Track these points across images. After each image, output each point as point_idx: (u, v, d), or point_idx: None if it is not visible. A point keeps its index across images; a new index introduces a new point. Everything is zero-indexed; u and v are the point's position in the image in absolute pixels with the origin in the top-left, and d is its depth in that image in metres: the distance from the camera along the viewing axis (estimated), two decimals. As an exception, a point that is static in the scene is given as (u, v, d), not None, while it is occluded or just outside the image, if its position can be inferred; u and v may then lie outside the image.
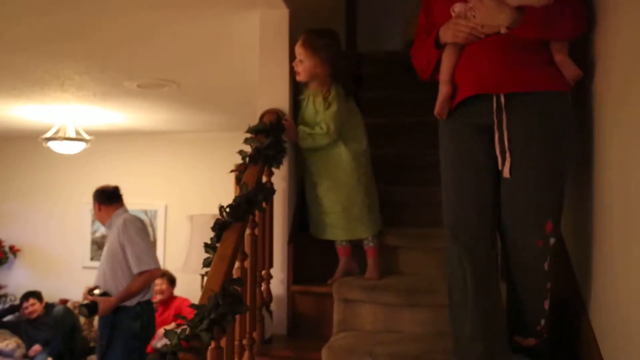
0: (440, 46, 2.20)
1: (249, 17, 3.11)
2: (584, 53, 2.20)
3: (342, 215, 2.79)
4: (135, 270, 3.73)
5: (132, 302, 3.80)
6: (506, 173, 2.05)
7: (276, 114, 2.83)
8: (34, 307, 6.28)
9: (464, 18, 2.08)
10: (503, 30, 2.02)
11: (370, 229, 2.81)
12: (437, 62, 2.23)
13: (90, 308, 3.73)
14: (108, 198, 4.14)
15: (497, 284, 2.15)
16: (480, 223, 2.11)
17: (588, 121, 2.19)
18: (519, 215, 2.06)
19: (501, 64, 2.05)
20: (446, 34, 2.14)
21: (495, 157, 2.08)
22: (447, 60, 2.17)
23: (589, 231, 2.17)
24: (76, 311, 6.49)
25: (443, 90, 2.17)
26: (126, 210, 4.10)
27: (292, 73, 2.99)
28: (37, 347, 6.06)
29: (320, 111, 2.77)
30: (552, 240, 2.04)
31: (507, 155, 2.04)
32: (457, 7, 2.11)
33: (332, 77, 2.77)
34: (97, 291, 3.77)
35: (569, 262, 2.49)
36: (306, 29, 2.81)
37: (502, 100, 2.05)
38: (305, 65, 2.75)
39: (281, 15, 3.01)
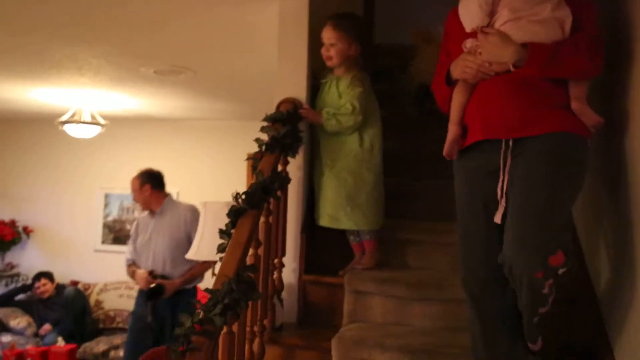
0: (451, 83, 2.10)
1: (268, 5, 3.10)
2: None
3: (347, 203, 2.76)
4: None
5: (189, 285, 4.12)
6: (497, 218, 1.96)
7: (293, 103, 2.82)
8: (45, 287, 6.33)
9: (473, 54, 1.99)
10: (511, 68, 1.91)
11: (372, 223, 2.79)
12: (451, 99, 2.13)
13: (158, 291, 3.93)
14: (160, 183, 4.32)
15: (507, 332, 2.04)
16: (487, 275, 2.02)
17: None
18: (520, 252, 1.87)
19: (511, 106, 1.92)
20: (455, 70, 2.05)
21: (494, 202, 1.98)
22: (456, 99, 2.08)
23: (620, 274, 2.08)
24: (86, 292, 6.57)
25: (451, 130, 2.08)
26: (173, 199, 4.35)
27: (311, 62, 2.98)
28: (47, 327, 6.11)
29: (344, 93, 2.76)
30: (560, 271, 1.86)
31: (502, 200, 1.94)
32: (469, 43, 2.01)
33: (359, 59, 2.80)
34: (156, 275, 4.01)
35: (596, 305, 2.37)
36: (330, 14, 2.82)
37: (510, 145, 1.93)
38: (338, 47, 2.75)
39: (301, 4, 3.00)
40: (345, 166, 2.78)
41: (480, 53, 1.95)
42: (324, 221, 2.81)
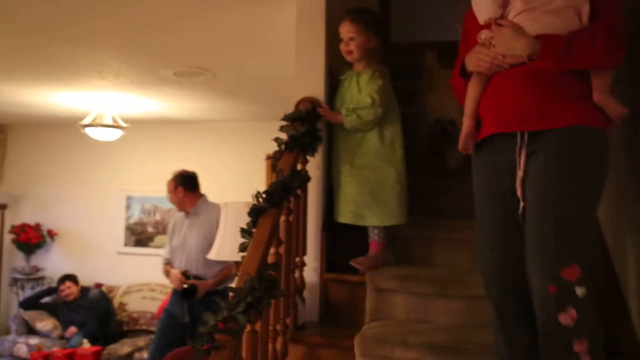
0: (466, 74, 2.06)
1: (285, 5, 3.11)
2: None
3: (371, 199, 2.77)
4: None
5: (221, 286, 4.15)
6: (520, 218, 1.88)
7: (312, 102, 2.82)
8: (70, 290, 6.40)
9: (487, 46, 1.93)
10: (526, 61, 1.84)
11: (397, 217, 2.79)
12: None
13: (191, 291, 3.99)
14: (193, 185, 4.39)
15: (528, 330, 1.94)
16: (508, 281, 1.95)
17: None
18: (535, 259, 1.82)
19: (526, 99, 1.85)
20: (470, 62, 2.00)
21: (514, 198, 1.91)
22: (471, 92, 2.02)
23: None
24: (110, 295, 6.63)
25: (466, 124, 2.02)
26: (208, 200, 4.40)
27: (329, 60, 2.98)
28: (73, 329, 6.18)
29: (365, 87, 2.76)
30: (580, 290, 1.72)
31: (519, 192, 1.87)
32: (483, 34, 1.95)
33: (378, 53, 2.82)
34: (190, 275, 4.08)
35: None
36: (346, 10, 2.84)
37: (525, 139, 1.85)
38: (357, 41, 2.77)
39: (318, 3, 2.99)
40: (367, 163, 2.79)
41: (494, 45, 1.90)
42: (347, 218, 2.81)
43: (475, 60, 1.96)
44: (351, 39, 2.77)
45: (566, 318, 1.71)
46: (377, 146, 2.79)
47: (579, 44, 1.78)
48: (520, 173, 1.87)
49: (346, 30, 2.78)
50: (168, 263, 4.31)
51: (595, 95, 1.83)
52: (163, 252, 4.45)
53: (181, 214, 4.39)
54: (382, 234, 2.85)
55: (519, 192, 1.87)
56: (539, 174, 1.84)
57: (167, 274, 4.26)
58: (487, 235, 2.00)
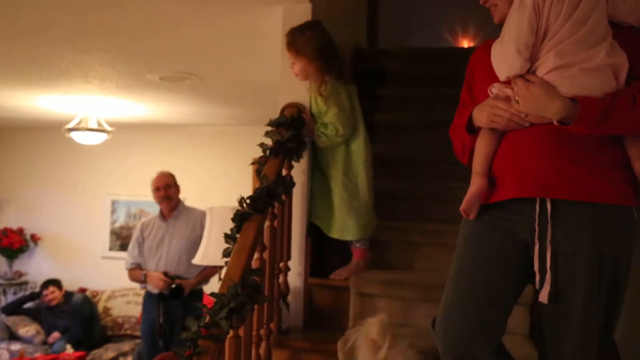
0: (473, 130, 1.82)
1: (272, 12, 3.12)
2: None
3: (360, 211, 2.84)
4: None
5: (203, 285, 4.33)
6: (543, 297, 1.65)
7: (297, 107, 2.84)
8: (53, 295, 6.36)
9: (504, 101, 1.69)
10: (555, 123, 1.61)
11: (364, 231, 2.87)
12: (472, 149, 1.84)
13: (179, 291, 4.09)
14: None
15: None
16: (479, 342, 1.74)
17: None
18: (566, 353, 1.69)
19: (552, 161, 1.64)
20: (481, 116, 1.75)
21: (524, 272, 1.72)
22: (483, 148, 1.78)
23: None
24: (95, 299, 6.59)
25: (475, 184, 1.77)
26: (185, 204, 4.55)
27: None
28: (56, 334, 6.14)
29: (323, 111, 2.81)
30: None
31: (548, 275, 1.64)
32: (495, 89, 1.72)
33: (324, 70, 2.79)
34: (171, 276, 4.14)
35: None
36: (289, 29, 2.81)
37: (549, 206, 1.64)
38: (297, 66, 2.80)
39: (304, 10, 3.02)
40: (352, 170, 2.86)
41: (517, 102, 1.65)
42: (337, 233, 2.89)
43: (488, 115, 1.72)
44: (293, 63, 2.81)
45: None
46: (344, 159, 2.86)
47: (619, 109, 1.56)
48: (537, 244, 1.67)
49: (288, 54, 2.82)
50: (136, 267, 4.33)
51: (638, 164, 1.64)
52: (127, 257, 4.44)
53: (150, 218, 4.44)
54: (364, 242, 2.89)
55: (536, 266, 1.68)
56: (563, 255, 1.65)
57: (137, 277, 4.30)
58: (466, 290, 1.76)
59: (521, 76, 1.65)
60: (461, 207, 1.79)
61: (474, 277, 1.74)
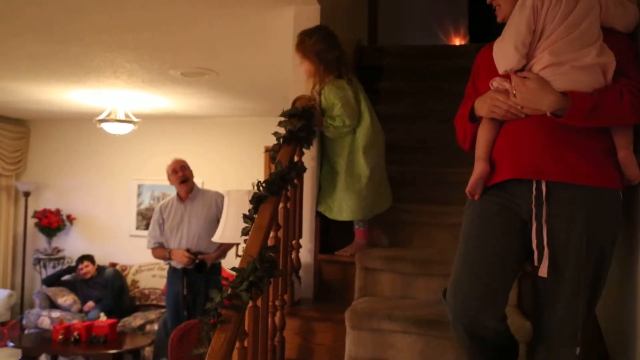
0: (475, 119, 1.82)
1: (284, 12, 3.09)
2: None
3: (360, 194, 2.77)
4: None
5: (217, 261, 4.29)
6: (543, 272, 1.65)
7: (307, 100, 2.81)
8: (87, 269, 6.38)
9: (503, 93, 1.70)
10: (548, 114, 1.62)
11: (373, 208, 2.82)
12: (474, 136, 1.84)
13: (203, 266, 4.11)
14: None
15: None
16: (486, 311, 1.74)
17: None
18: (555, 324, 1.69)
19: (545, 147, 1.64)
20: (482, 107, 1.76)
21: (524, 248, 1.71)
22: (484, 135, 1.78)
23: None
24: (124, 273, 6.61)
25: (478, 168, 1.76)
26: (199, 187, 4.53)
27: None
28: (90, 304, 6.17)
29: (330, 105, 2.74)
30: (578, 350, 1.70)
31: (546, 252, 1.64)
32: (496, 82, 1.73)
33: (325, 71, 2.75)
34: (193, 252, 4.16)
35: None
36: (300, 32, 2.79)
37: (544, 188, 1.65)
38: (304, 66, 2.77)
39: (313, 10, 2.99)
40: (343, 163, 2.80)
41: (514, 96, 1.66)
42: (345, 216, 2.82)
43: (489, 106, 1.73)
44: (300, 63, 2.77)
45: None
46: (349, 146, 2.80)
47: (607, 103, 1.57)
48: (534, 223, 1.67)
49: (296, 55, 2.79)
50: (159, 246, 4.32)
51: (622, 152, 1.64)
52: (148, 238, 4.41)
53: (171, 201, 4.40)
54: (363, 223, 2.87)
55: (534, 244, 1.67)
56: (559, 233, 1.64)
57: (162, 255, 4.29)
58: (474, 264, 1.74)
59: (518, 72, 1.66)
60: (467, 190, 1.78)
61: (481, 252, 1.73)
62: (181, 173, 4.32)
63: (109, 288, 6.17)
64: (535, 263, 1.68)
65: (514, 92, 1.65)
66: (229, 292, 1.80)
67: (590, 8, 1.62)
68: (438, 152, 3.31)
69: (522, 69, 1.68)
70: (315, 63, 2.73)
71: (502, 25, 1.77)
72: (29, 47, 3.91)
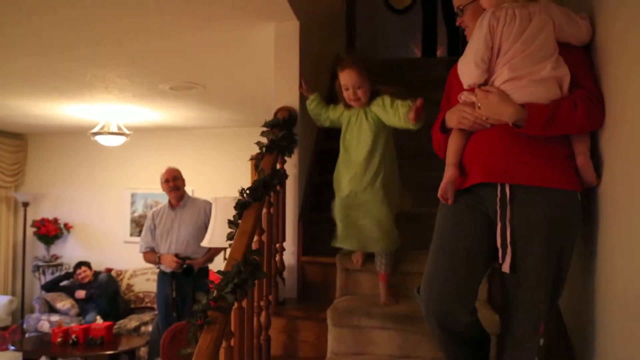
0: (446, 130, 1.85)
1: (265, 28, 3.07)
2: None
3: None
4: None
5: (205, 265, 4.24)
6: (505, 268, 1.66)
7: (288, 110, 2.81)
8: (85, 274, 6.32)
9: (470, 106, 1.72)
10: (510, 124, 1.64)
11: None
12: (447, 145, 1.86)
13: (190, 270, 4.08)
14: None
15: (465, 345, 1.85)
16: (458, 305, 1.73)
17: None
18: (519, 316, 1.70)
19: (510, 153, 1.66)
20: (452, 118, 1.79)
21: (493, 246, 1.70)
22: (453, 143, 1.80)
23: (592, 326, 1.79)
24: (119, 278, 6.53)
25: (448, 172, 1.78)
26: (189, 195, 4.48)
27: (302, 74, 2.95)
28: (81, 292, 6.15)
29: (384, 114, 2.42)
30: (542, 341, 1.69)
31: (509, 250, 1.66)
32: (464, 96, 1.75)
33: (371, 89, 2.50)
34: (182, 257, 4.11)
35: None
36: (347, 59, 2.55)
37: (507, 191, 1.66)
38: (364, 88, 2.43)
39: (293, 26, 2.98)
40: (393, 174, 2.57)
41: (479, 108, 1.68)
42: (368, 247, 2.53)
43: (458, 118, 1.75)
44: (359, 87, 2.43)
45: None
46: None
47: (562, 112, 1.60)
48: (499, 223, 1.68)
49: (352, 79, 2.42)
50: (150, 251, 4.29)
51: (580, 158, 1.67)
52: (140, 243, 4.37)
53: (163, 208, 4.37)
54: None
55: (498, 242, 1.68)
56: (522, 233, 1.65)
57: (152, 259, 4.26)
58: (448, 261, 1.74)
59: (482, 86, 1.68)
60: (439, 194, 1.79)
61: (454, 249, 1.74)
62: (172, 183, 4.30)
63: (103, 292, 6.09)
64: (500, 260, 1.69)
65: (479, 105, 1.68)
66: (214, 294, 1.78)
67: (544, 25, 1.64)
68: (413, 157, 3.31)
69: (485, 83, 1.69)
70: (370, 84, 2.47)
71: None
72: (21, 59, 3.82)
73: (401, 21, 5.84)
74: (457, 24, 1.88)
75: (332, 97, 3.76)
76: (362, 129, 2.48)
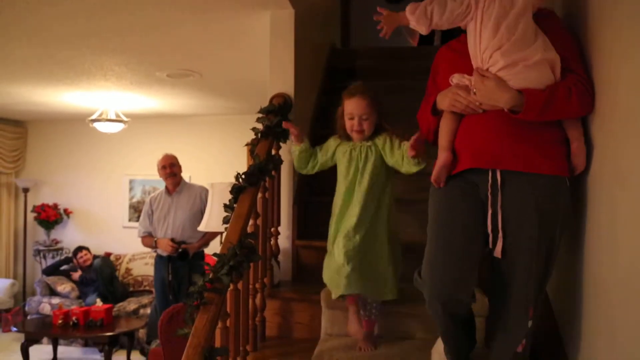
0: (436, 112, 1.80)
1: (261, 17, 3.03)
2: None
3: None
4: None
5: (200, 250, 4.23)
6: (497, 253, 1.65)
7: (283, 97, 2.78)
8: (87, 257, 6.33)
9: (465, 89, 1.67)
10: (506, 110, 1.60)
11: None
12: (437, 128, 1.82)
13: (185, 254, 4.09)
14: None
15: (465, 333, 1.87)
16: (461, 288, 1.70)
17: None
18: (509, 300, 1.68)
19: (502, 139, 1.63)
20: (443, 101, 1.74)
21: (486, 230, 1.68)
22: (446, 127, 1.75)
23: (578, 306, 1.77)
24: (118, 262, 6.52)
25: (442, 157, 1.73)
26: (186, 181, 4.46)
27: (297, 62, 2.92)
28: (79, 272, 6.17)
29: (389, 153, 2.16)
30: (530, 324, 1.69)
31: (500, 235, 1.64)
32: (455, 78, 1.70)
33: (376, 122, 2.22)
34: (177, 241, 4.11)
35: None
36: (357, 86, 2.19)
37: (499, 177, 1.64)
38: (372, 119, 2.16)
39: (288, 14, 2.94)
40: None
41: (474, 93, 1.64)
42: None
43: (450, 100, 1.71)
44: (366, 119, 2.15)
45: (520, 347, 1.72)
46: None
47: (558, 98, 1.57)
48: (490, 209, 1.66)
49: (360, 109, 2.14)
50: (148, 235, 4.28)
51: (575, 144, 1.64)
52: (139, 227, 4.36)
53: (160, 193, 4.36)
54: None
55: (489, 228, 1.66)
56: (512, 218, 1.63)
57: (150, 243, 4.26)
58: (447, 245, 1.69)
59: (479, 72, 1.64)
60: (432, 178, 1.75)
61: (451, 233, 1.69)
62: (169, 169, 4.29)
63: (99, 276, 6.08)
64: (490, 245, 1.68)
65: (474, 90, 1.64)
66: (210, 276, 1.77)
67: (524, 9, 1.60)
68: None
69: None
70: (378, 117, 2.20)
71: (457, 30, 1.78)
72: (22, 50, 3.79)
73: (396, 10, 5.79)
74: None
75: (325, 89, 3.75)
76: (367, 165, 2.18)
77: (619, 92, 1.43)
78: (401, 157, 2.11)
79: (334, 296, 2.15)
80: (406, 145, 2.05)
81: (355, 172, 2.20)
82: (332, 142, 2.32)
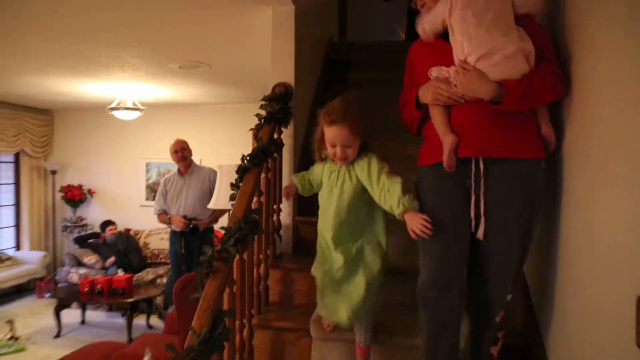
0: (420, 106, 1.71)
1: (263, 12, 2.99)
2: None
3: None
4: None
5: (209, 226, 4.26)
6: (480, 235, 1.61)
7: (285, 86, 2.75)
8: (115, 230, 6.51)
9: (445, 82, 1.60)
10: (486, 101, 1.55)
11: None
12: (421, 121, 1.75)
13: (196, 230, 4.11)
14: None
15: (457, 331, 1.71)
16: (454, 278, 1.64)
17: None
18: (491, 275, 1.64)
19: (483, 127, 1.57)
20: (426, 95, 1.66)
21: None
22: (438, 117, 1.65)
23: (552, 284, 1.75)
24: (137, 237, 6.54)
25: (448, 140, 1.60)
26: (197, 163, 4.45)
27: (297, 54, 2.89)
28: (111, 259, 6.16)
29: (367, 182, 1.79)
30: (509, 297, 1.68)
31: (482, 219, 1.59)
32: (434, 72, 1.63)
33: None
34: (189, 218, 4.13)
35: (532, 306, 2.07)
36: (337, 109, 1.77)
37: (481, 165, 1.59)
38: (354, 147, 1.79)
39: (289, 10, 2.89)
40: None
41: (455, 85, 1.57)
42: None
43: (433, 93, 1.62)
44: (349, 147, 1.78)
45: (498, 318, 1.70)
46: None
47: (535, 87, 1.52)
48: (473, 196, 1.60)
49: (342, 139, 1.76)
50: (163, 212, 4.30)
51: (545, 128, 1.62)
52: (155, 206, 4.37)
53: (173, 175, 4.37)
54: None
55: (472, 213, 1.61)
56: (495, 202, 1.59)
57: (165, 219, 4.27)
58: (438, 231, 1.61)
59: (460, 65, 1.57)
60: (444, 164, 1.61)
61: (443, 218, 1.63)
62: (180, 153, 4.31)
63: (114, 250, 6.16)
64: (473, 229, 1.64)
65: (455, 83, 1.57)
66: (218, 247, 1.77)
67: None
68: (396, 132, 3.27)
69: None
70: (361, 139, 1.80)
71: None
72: (45, 42, 3.73)
73: (389, 7, 5.73)
74: (418, 6, 1.76)
75: (323, 78, 3.72)
76: (343, 189, 1.83)
77: (594, 84, 1.41)
78: (380, 195, 1.73)
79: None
80: (388, 185, 1.70)
81: (330, 195, 1.87)
82: (317, 170, 1.98)
